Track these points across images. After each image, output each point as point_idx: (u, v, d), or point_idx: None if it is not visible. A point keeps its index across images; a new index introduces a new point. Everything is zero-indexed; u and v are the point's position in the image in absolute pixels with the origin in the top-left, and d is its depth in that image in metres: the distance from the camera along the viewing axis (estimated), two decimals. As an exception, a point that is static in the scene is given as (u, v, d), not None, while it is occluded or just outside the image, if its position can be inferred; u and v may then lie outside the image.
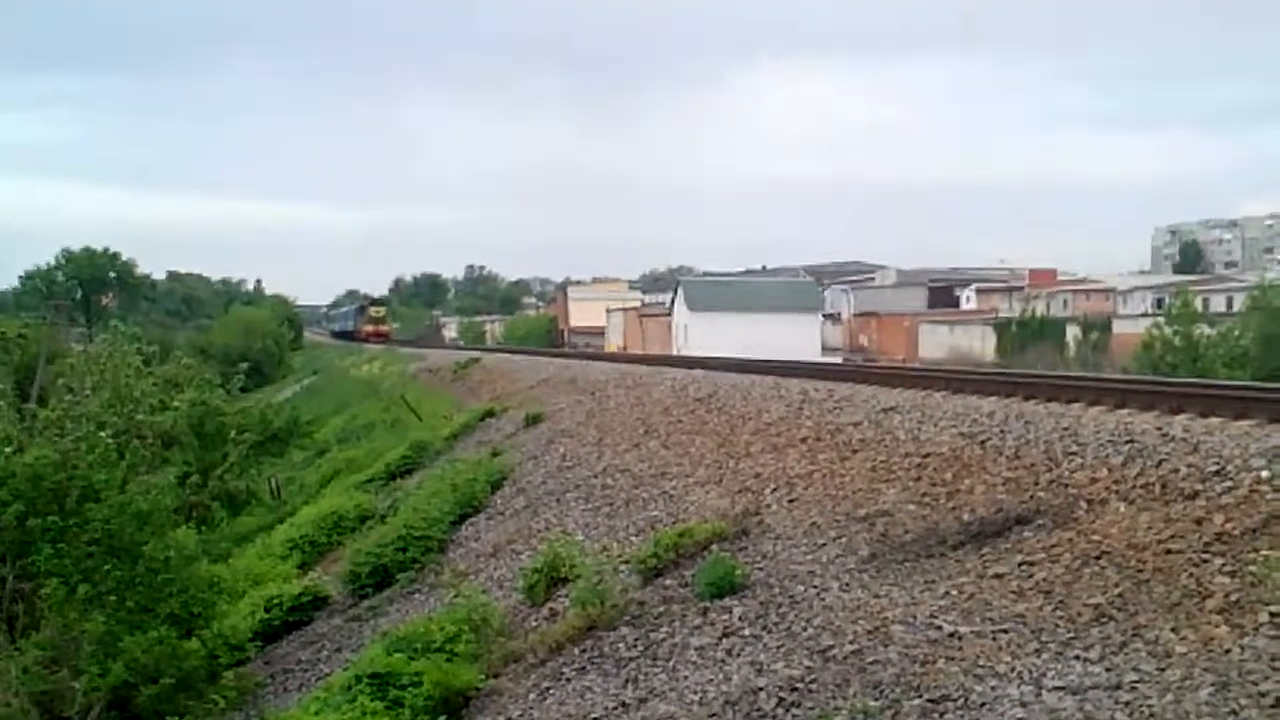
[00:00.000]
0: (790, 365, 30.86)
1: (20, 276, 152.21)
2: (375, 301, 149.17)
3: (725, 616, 12.73)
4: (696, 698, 10.83)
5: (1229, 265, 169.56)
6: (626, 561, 16.07)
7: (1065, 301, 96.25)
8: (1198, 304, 53.32)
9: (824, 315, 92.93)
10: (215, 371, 40.53)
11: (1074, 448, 13.75)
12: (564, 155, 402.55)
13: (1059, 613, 9.97)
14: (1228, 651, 8.41)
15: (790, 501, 16.34)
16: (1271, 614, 8.66)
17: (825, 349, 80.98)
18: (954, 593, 11.14)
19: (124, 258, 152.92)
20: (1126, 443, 13.17)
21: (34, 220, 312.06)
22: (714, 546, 14.98)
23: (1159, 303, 77.06)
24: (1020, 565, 11.26)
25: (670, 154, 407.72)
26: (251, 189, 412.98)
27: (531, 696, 13.02)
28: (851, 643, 10.61)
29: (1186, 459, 12.00)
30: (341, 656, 18.78)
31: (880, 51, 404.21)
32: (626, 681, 12.21)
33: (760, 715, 9.84)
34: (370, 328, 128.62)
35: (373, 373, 78.27)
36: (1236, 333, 46.37)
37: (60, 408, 26.77)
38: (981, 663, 9.37)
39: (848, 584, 12.39)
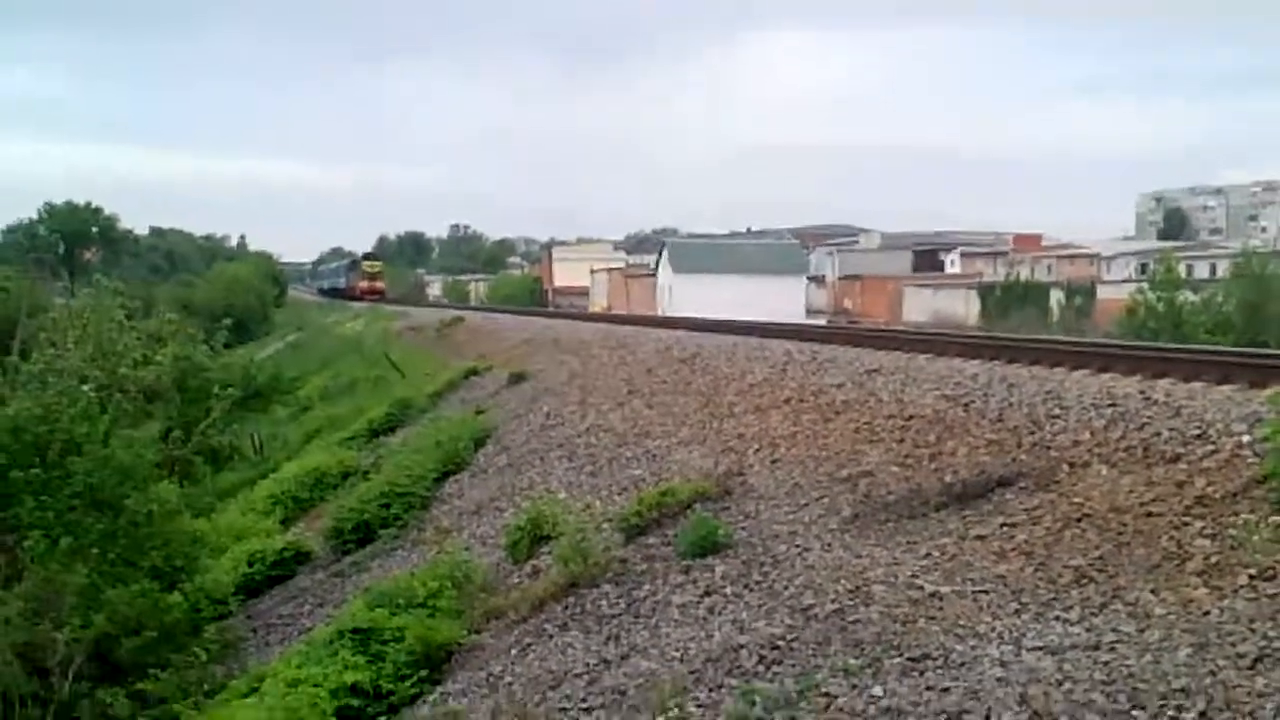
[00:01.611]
0: (774, 327, 30.89)
1: (2, 230, 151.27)
2: (369, 255, 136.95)
3: (707, 575, 12.76)
4: (678, 655, 10.86)
5: (1213, 232, 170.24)
6: (609, 520, 16.07)
7: (1049, 266, 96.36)
8: (1181, 270, 53.37)
9: (808, 278, 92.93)
10: (198, 327, 40.33)
11: (1057, 411, 13.80)
12: (550, 117, 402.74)
13: (1039, 574, 10.03)
14: (1206, 613, 8.47)
15: (773, 462, 16.37)
16: (1250, 576, 8.72)
17: (809, 311, 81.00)
18: (935, 553, 11.18)
19: (106, 212, 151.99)
20: (1109, 406, 13.23)
21: (15, 174, 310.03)
22: (697, 506, 14.97)
23: (1143, 269, 77.22)
24: (1002, 527, 11.31)
25: (656, 116, 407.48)
26: (237, 146, 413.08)
27: (513, 652, 13.05)
28: (833, 602, 10.64)
29: (1168, 423, 12.07)
30: (323, 611, 18.80)
31: (868, 17, 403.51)
32: (608, 638, 12.24)
33: (741, 673, 9.87)
34: (365, 284, 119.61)
35: (356, 330, 78.15)
36: (1219, 299, 46.48)
37: (42, 361, 26.68)
38: (962, 623, 9.42)
39: (830, 544, 12.42)
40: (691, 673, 10.23)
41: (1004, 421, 14.26)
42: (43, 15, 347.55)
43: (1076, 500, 11.22)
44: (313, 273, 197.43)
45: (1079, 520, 10.78)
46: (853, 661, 9.22)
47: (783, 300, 72.48)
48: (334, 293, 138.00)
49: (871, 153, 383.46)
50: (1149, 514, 10.31)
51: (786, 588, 11.53)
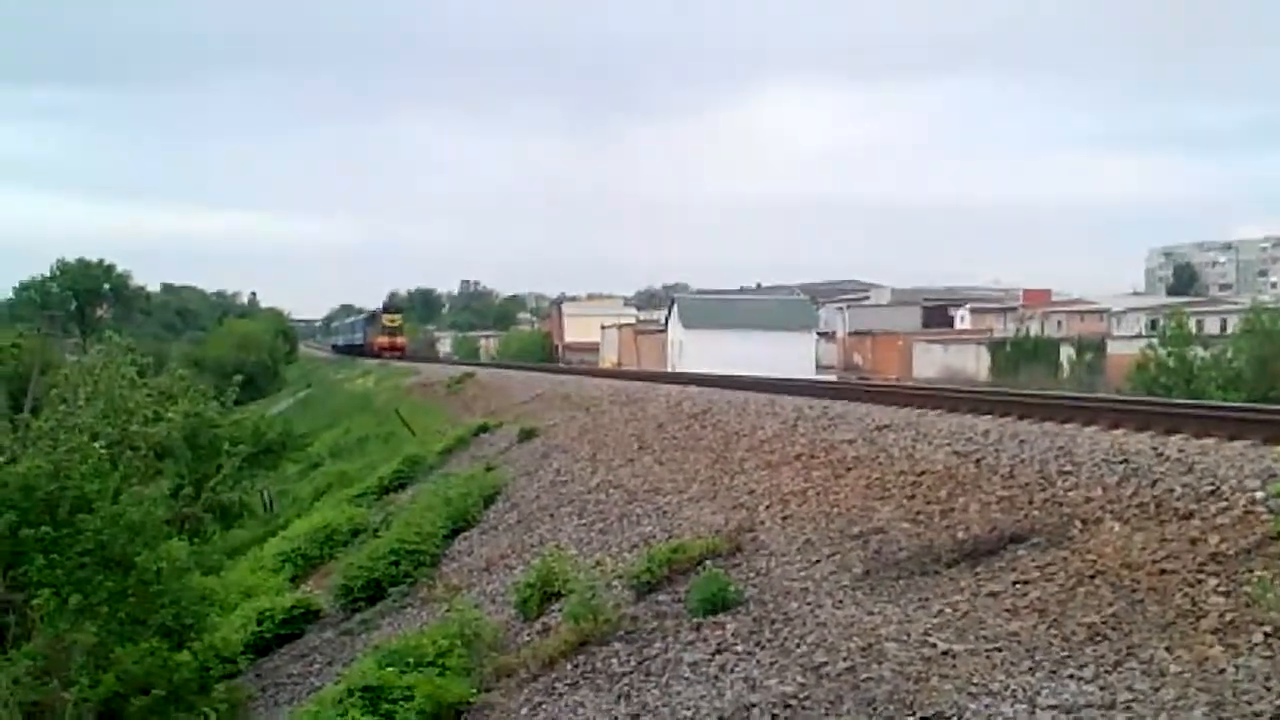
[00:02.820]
0: (785, 383, 30.89)
1: (14, 287, 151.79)
2: (390, 309, 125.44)
3: (719, 633, 12.71)
4: (690, 714, 10.80)
5: (1224, 287, 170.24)
6: (620, 577, 16.03)
7: (1059, 322, 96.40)
8: (1192, 326, 53.31)
9: (818, 333, 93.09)
10: (209, 384, 40.44)
11: (1069, 467, 13.76)
12: (560, 172, 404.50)
13: (1053, 631, 9.97)
14: (1222, 671, 8.41)
15: (784, 518, 16.33)
16: (1266, 634, 8.67)
17: (820, 367, 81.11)
18: (948, 611, 11.13)
19: (118, 270, 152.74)
20: (1121, 462, 13.19)
21: (28, 232, 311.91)
22: (707, 563, 14.94)
23: (1153, 324, 77.10)
24: (1015, 584, 11.25)
25: (666, 172, 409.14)
26: (247, 203, 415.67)
27: (524, 711, 12.99)
28: (845, 660, 10.59)
29: (1181, 479, 12.02)
30: (333, 670, 18.73)
31: (878, 72, 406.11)
32: (619, 697, 12.18)
33: (753, 732, 9.82)
34: (385, 340, 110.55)
35: (366, 387, 78.26)
36: (1229, 355, 46.44)
37: (54, 418, 26.67)
38: (975, 681, 9.36)
39: (841, 601, 12.37)
40: (703, 732, 10.18)
41: (1015, 478, 14.22)
42: (47, 71, 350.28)
43: (1089, 557, 11.17)
44: (324, 329, 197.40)
45: (1092, 577, 10.73)
46: (866, 720, 9.17)
47: (793, 356, 72.55)
48: (350, 349, 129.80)
49: (881, 208, 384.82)
50: (1162, 571, 10.26)
51: (798, 645, 11.48)
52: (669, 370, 68.21)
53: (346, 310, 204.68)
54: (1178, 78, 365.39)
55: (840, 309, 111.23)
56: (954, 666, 9.75)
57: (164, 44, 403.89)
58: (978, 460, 15.42)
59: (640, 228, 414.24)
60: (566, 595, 15.68)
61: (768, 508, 17.10)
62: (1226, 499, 11.13)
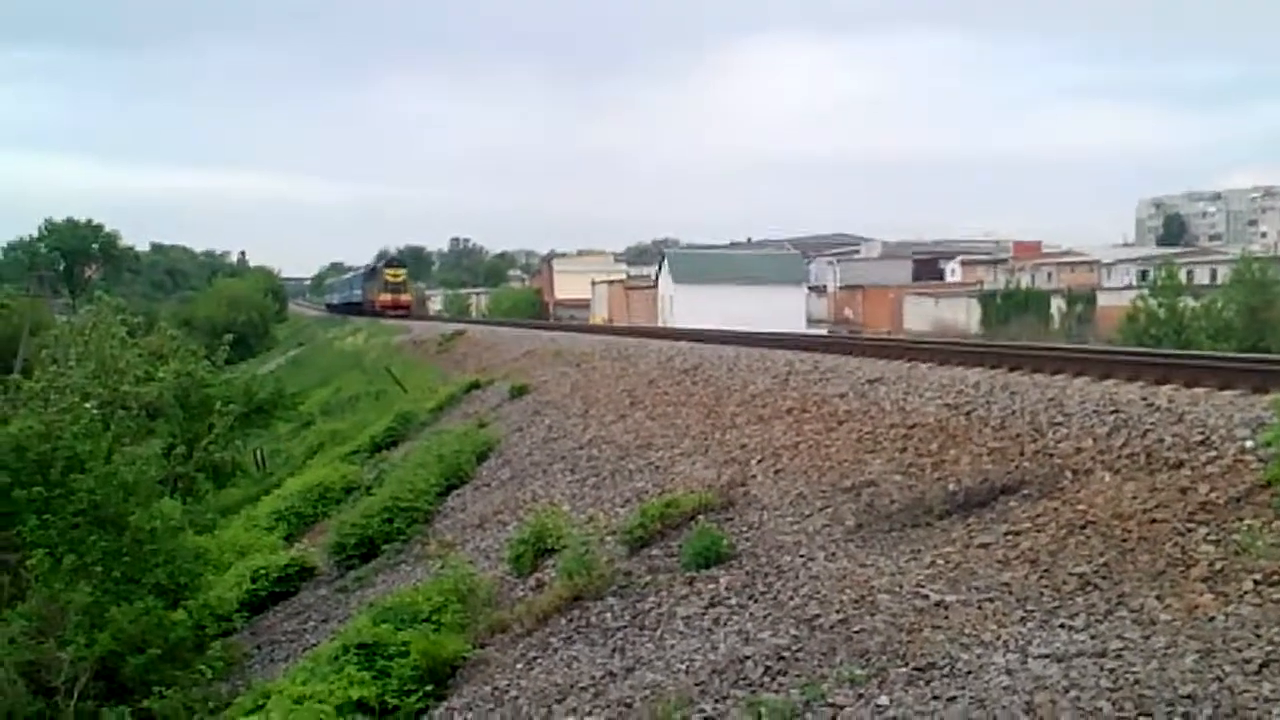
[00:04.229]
0: (776, 337, 30.90)
1: (2, 248, 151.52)
2: (392, 262, 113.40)
3: (712, 586, 12.74)
4: (683, 667, 10.84)
5: (1213, 238, 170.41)
6: (613, 532, 16.05)
7: (1050, 274, 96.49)
8: (1182, 276, 53.41)
9: (809, 287, 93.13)
10: (200, 343, 40.39)
11: (1059, 418, 13.80)
12: (550, 130, 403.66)
13: (1044, 581, 10.01)
14: (1212, 619, 8.45)
15: (776, 472, 16.36)
16: (1255, 582, 8.72)
17: (810, 321, 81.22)
18: (940, 562, 11.17)
19: (107, 229, 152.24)
20: (1111, 413, 13.22)
21: (16, 192, 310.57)
22: (700, 517, 14.96)
23: (1143, 275, 77.16)
24: (1006, 535, 11.29)
25: (656, 129, 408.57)
26: (236, 162, 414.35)
27: (518, 666, 13.02)
28: (838, 612, 10.63)
29: (1171, 429, 12.06)
30: (328, 627, 18.77)
31: (869, 27, 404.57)
32: (613, 651, 12.22)
33: (747, 684, 9.85)
34: (388, 297, 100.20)
35: (357, 345, 78.11)
36: (1220, 305, 46.58)
37: (45, 379, 26.69)
38: (967, 631, 9.40)
39: (834, 554, 12.41)
40: (697, 684, 10.21)
41: (1006, 429, 14.26)
42: (33, 30, 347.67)
43: (1080, 507, 11.21)
44: (315, 287, 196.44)
45: (1083, 527, 10.77)
46: (859, 671, 9.21)
47: (783, 310, 72.61)
48: (347, 308, 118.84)
49: (871, 162, 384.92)
50: (1153, 520, 10.30)
51: (791, 598, 11.52)
52: (660, 325, 68.18)
53: (337, 268, 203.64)
54: (1167, 29, 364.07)
55: (831, 263, 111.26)
56: (946, 617, 9.79)
57: (152, 4, 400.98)
58: (969, 412, 15.45)
59: (631, 185, 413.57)
60: (560, 551, 15.70)
61: (760, 462, 17.12)
62: (1216, 448, 11.17)
